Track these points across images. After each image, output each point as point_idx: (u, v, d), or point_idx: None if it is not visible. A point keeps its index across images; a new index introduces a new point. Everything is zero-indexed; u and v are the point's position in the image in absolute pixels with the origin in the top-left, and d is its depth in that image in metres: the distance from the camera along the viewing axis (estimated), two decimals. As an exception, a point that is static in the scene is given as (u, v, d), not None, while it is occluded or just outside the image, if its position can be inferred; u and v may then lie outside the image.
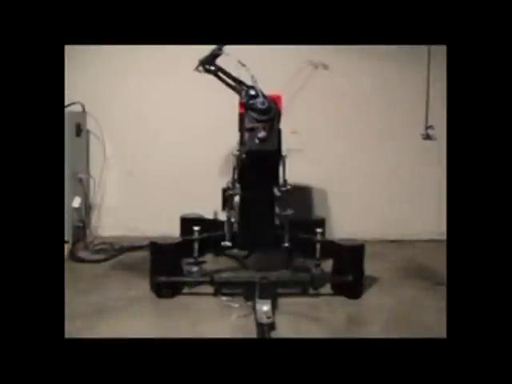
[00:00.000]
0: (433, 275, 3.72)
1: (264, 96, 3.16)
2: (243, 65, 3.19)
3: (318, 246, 3.44)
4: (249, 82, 3.22)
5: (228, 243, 3.49)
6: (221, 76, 3.29)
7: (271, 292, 3.06)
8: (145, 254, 3.61)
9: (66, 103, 3.95)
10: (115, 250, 4.16)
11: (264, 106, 3.13)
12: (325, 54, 4.45)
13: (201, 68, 3.28)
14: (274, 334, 2.69)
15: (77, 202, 4.17)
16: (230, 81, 3.28)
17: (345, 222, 4.65)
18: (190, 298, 3.24)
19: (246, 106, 3.15)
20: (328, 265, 3.45)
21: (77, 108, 4.31)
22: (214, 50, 3.25)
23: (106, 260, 3.97)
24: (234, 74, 3.25)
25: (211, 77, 3.30)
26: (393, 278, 3.68)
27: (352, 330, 2.85)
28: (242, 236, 3.53)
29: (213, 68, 3.26)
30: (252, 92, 3.15)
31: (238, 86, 3.25)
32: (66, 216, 3.90)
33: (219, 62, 3.26)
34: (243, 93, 3.17)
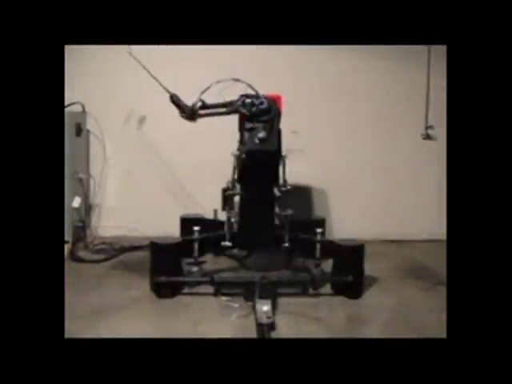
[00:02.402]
0: (433, 275, 3.72)
1: (263, 97, 3.15)
2: (237, 80, 3.13)
3: (318, 246, 3.45)
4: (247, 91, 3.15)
5: (228, 243, 3.51)
6: (211, 112, 3.16)
7: (271, 292, 3.06)
8: (145, 254, 3.60)
9: (66, 103, 3.95)
10: (115, 250, 4.16)
11: (264, 106, 3.12)
12: (325, 53, 4.46)
13: (190, 121, 3.19)
14: (274, 334, 2.68)
15: (77, 202, 4.17)
16: (221, 109, 3.15)
17: (345, 222, 4.64)
18: (189, 297, 3.23)
19: (251, 116, 3.09)
20: (328, 265, 3.45)
21: (77, 108, 4.31)
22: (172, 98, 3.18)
23: (105, 260, 3.97)
24: (230, 86, 3.11)
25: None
26: (393, 278, 3.67)
27: (352, 330, 2.85)
28: (241, 236, 3.54)
29: (199, 104, 3.12)
30: (248, 101, 3.10)
31: (230, 108, 3.13)
32: (66, 216, 3.90)
33: (211, 93, 3.13)
34: (240, 108, 3.10)
